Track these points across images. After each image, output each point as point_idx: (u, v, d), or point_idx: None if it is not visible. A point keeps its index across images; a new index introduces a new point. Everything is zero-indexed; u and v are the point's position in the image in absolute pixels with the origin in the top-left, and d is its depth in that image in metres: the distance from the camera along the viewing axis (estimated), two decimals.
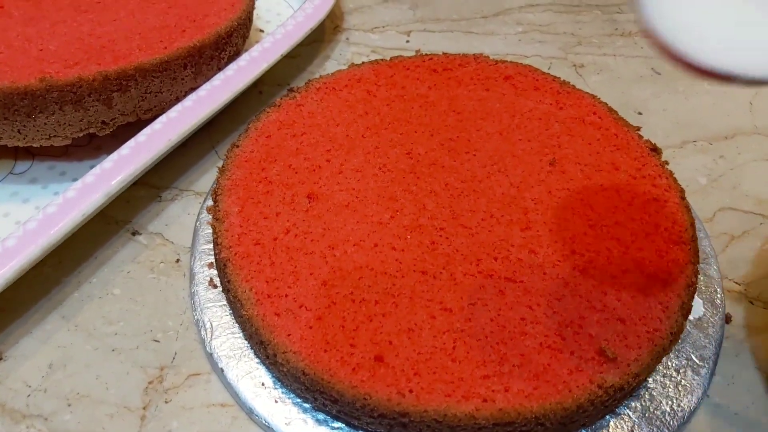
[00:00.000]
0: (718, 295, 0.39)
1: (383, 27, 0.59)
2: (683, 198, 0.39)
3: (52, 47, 0.41)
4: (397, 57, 0.48)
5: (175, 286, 0.39)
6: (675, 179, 0.40)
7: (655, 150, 0.42)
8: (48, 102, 0.38)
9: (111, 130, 0.42)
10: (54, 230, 0.35)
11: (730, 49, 0.21)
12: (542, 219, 0.37)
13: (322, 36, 0.57)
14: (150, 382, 0.35)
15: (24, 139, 0.40)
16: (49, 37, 0.43)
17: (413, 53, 0.56)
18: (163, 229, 0.42)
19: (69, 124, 0.40)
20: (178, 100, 0.43)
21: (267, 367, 0.34)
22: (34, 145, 0.40)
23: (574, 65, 0.56)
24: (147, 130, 0.40)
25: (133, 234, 0.41)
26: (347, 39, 0.58)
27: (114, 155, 0.39)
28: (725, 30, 0.22)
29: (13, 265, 0.34)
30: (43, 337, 0.36)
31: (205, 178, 0.45)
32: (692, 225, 0.38)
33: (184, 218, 0.42)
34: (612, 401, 0.32)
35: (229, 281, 0.34)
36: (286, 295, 0.34)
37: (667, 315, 0.33)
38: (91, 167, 0.43)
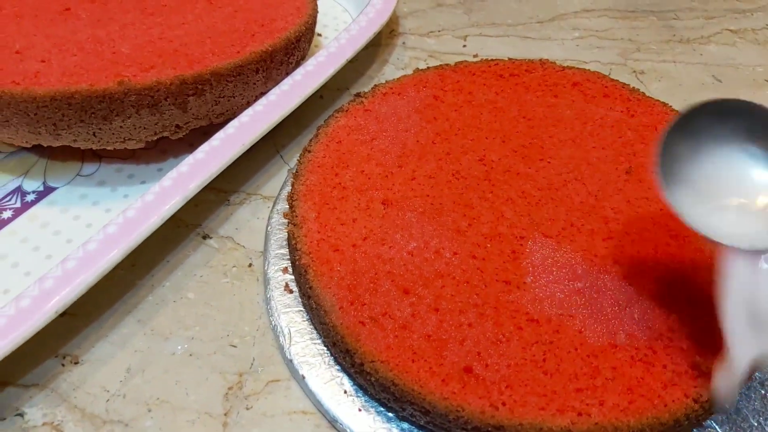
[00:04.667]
0: None
1: (439, 31, 0.59)
2: None
3: (125, 50, 0.41)
4: (462, 62, 0.48)
5: (249, 290, 0.39)
6: None
7: None
8: (125, 105, 0.38)
9: (184, 134, 0.41)
10: (134, 234, 0.35)
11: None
12: (623, 229, 0.37)
13: (379, 40, 0.57)
14: (230, 388, 0.34)
15: (99, 142, 0.40)
16: (120, 39, 0.43)
17: (471, 57, 0.56)
18: (234, 233, 0.42)
19: (144, 128, 0.40)
20: (248, 104, 0.43)
21: (349, 375, 0.34)
22: (108, 148, 0.40)
23: (635, 72, 0.55)
24: (221, 134, 0.40)
25: (204, 238, 0.41)
26: (404, 43, 0.57)
27: (190, 159, 0.39)
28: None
29: (96, 270, 0.34)
30: (119, 342, 0.36)
31: (272, 182, 0.45)
32: None
33: (254, 222, 0.42)
34: (703, 414, 0.31)
35: (310, 287, 0.34)
36: (369, 303, 0.33)
37: None
38: (159, 170, 0.44)
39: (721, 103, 0.30)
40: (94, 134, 0.39)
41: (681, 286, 0.34)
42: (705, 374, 0.31)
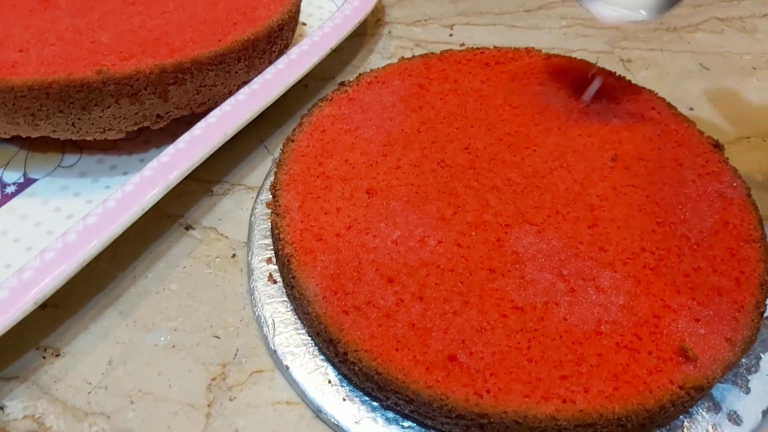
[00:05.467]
0: None
1: (425, 20, 0.58)
2: (749, 195, 0.38)
3: (104, 39, 0.41)
4: (448, 50, 0.48)
5: (233, 281, 0.38)
6: (740, 176, 0.39)
7: (717, 146, 0.41)
8: (104, 95, 0.38)
9: (165, 123, 0.41)
10: (114, 225, 0.35)
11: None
12: (609, 216, 0.37)
13: (364, 29, 0.57)
14: (213, 379, 0.34)
15: (78, 132, 0.39)
16: (100, 29, 0.42)
17: (457, 47, 0.55)
18: (217, 223, 0.41)
19: (124, 118, 0.39)
20: (230, 93, 0.42)
21: (333, 365, 0.34)
22: (88, 139, 0.40)
23: (622, 60, 0.55)
24: (202, 124, 0.40)
25: (187, 228, 0.41)
26: (390, 32, 0.57)
27: (170, 149, 0.38)
28: None
29: (75, 261, 0.33)
30: (101, 334, 0.36)
31: (256, 172, 0.44)
32: (761, 222, 0.37)
33: (238, 213, 0.42)
34: (690, 401, 0.31)
35: (293, 277, 0.34)
36: (353, 292, 0.33)
37: (743, 314, 0.33)
38: (141, 161, 0.43)
39: None
40: (73, 124, 0.39)
41: (667, 273, 0.34)
42: (691, 360, 0.30)
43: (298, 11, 0.48)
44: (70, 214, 0.40)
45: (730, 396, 0.33)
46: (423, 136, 0.41)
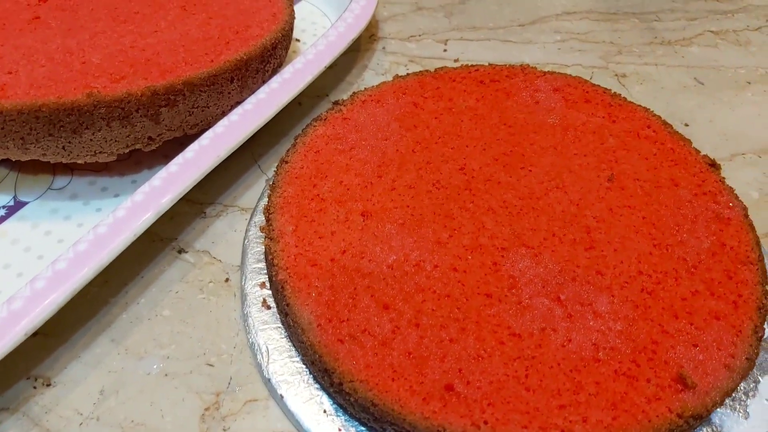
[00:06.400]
0: None
1: (419, 36, 0.58)
2: (746, 215, 0.38)
3: (95, 60, 0.40)
4: (442, 68, 0.47)
5: (226, 306, 0.38)
6: (736, 196, 0.39)
7: (714, 165, 0.41)
8: (95, 118, 0.37)
9: (157, 146, 0.40)
10: (105, 252, 0.34)
11: None
12: (605, 238, 0.36)
13: (358, 45, 0.56)
14: (206, 409, 0.33)
15: (69, 155, 0.39)
16: (91, 49, 0.41)
17: (452, 62, 0.55)
18: (210, 246, 0.41)
19: (115, 141, 0.39)
20: (223, 114, 0.42)
21: (328, 394, 0.33)
22: (79, 162, 0.39)
23: (617, 75, 0.55)
24: (194, 146, 0.39)
25: (180, 252, 0.40)
26: (384, 48, 0.57)
27: (162, 172, 0.38)
28: None
29: (66, 289, 0.33)
30: (92, 362, 0.35)
31: (250, 193, 0.44)
32: (758, 244, 0.37)
33: (231, 235, 0.41)
34: (688, 430, 0.31)
35: (287, 304, 0.33)
36: (348, 320, 0.32)
37: (742, 339, 0.32)
38: (133, 182, 0.43)
39: None
40: (63, 148, 0.38)
41: (664, 297, 0.34)
42: (689, 388, 0.30)
43: (291, 29, 0.47)
44: (61, 238, 0.40)
45: (728, 421, 0.33)
46: (418, 156, 0.41)
